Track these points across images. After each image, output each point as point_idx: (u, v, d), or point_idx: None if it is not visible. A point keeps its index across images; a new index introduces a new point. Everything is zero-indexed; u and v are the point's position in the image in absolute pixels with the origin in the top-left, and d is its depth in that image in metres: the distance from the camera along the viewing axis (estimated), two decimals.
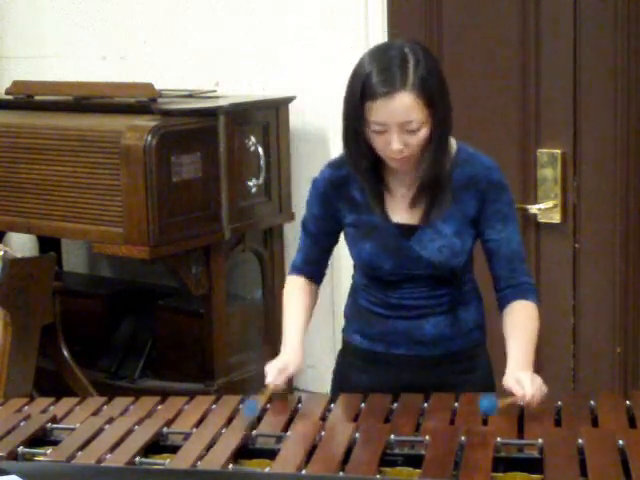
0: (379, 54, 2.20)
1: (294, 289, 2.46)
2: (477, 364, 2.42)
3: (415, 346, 2.36)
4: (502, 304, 2.34)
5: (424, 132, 2.19)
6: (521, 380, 2.11)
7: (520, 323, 2.29)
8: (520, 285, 2.31)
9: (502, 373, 2.20)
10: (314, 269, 2.48)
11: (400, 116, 2.15)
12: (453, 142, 2.33)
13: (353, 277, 2.48)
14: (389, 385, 2.36)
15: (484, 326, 2.45)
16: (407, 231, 2.29)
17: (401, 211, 2.32)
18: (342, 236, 2.46)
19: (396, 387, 2.33)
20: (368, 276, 2.37)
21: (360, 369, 2.43)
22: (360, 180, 2.31)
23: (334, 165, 2.39)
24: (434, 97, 2.18)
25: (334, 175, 2.36)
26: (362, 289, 2.41)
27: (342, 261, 3.41)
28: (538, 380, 2.13)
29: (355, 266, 2.44)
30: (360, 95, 2.17)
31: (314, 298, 2.49)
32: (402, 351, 2.37)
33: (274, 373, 2.26)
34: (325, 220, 2.40)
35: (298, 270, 2.47)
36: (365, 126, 2.20)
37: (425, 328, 2.34)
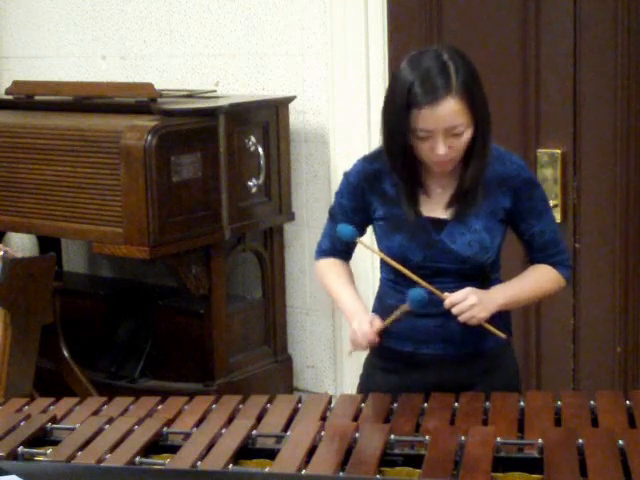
0: (418, 63, 2.25)
1: (333, 266, 2.50)
2: (502, 364, 2.44)
3: (443, 344, 2.37)
4: None
5: (468, 134, 2.25)
6: (462, 291, 2.25)
7: (530, 272, 2.40)
8: (552, 260, 2.40)
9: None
10: (342, 256, 2.52)
11: (446, 122, 2.21)
12: None
13: (380, 277, 2.49)
14: (417, 386, 2.35)
15: (511, 326, 2.46)
16: (438, 225, 2.33)
17: (434, 208, 2.36)
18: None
19: (423, 388, 2.33)
20: (396, 271, 2.37)
21: (387, 370, 2.43)
22: (397, 180, 2.35)
23: (368, 159, 2.43)
24: (476, 99, 2.24)
25: (368, 169, 2.41)
26: (391, 287, 2.42)
27: None
28: (475, 300, 2.24)
29: (383, 263, 2.45)
30: (406, 104, 2.21)
31: (351, 273, 2.53)
32: (430, 350, 2.38)
33: (365, 329, 2.30)
34: (355, 212, 2.43)
35: (327, 254, 2.52)
36: (409, 132, 2.24)
37: (452, 326, 2.34)
